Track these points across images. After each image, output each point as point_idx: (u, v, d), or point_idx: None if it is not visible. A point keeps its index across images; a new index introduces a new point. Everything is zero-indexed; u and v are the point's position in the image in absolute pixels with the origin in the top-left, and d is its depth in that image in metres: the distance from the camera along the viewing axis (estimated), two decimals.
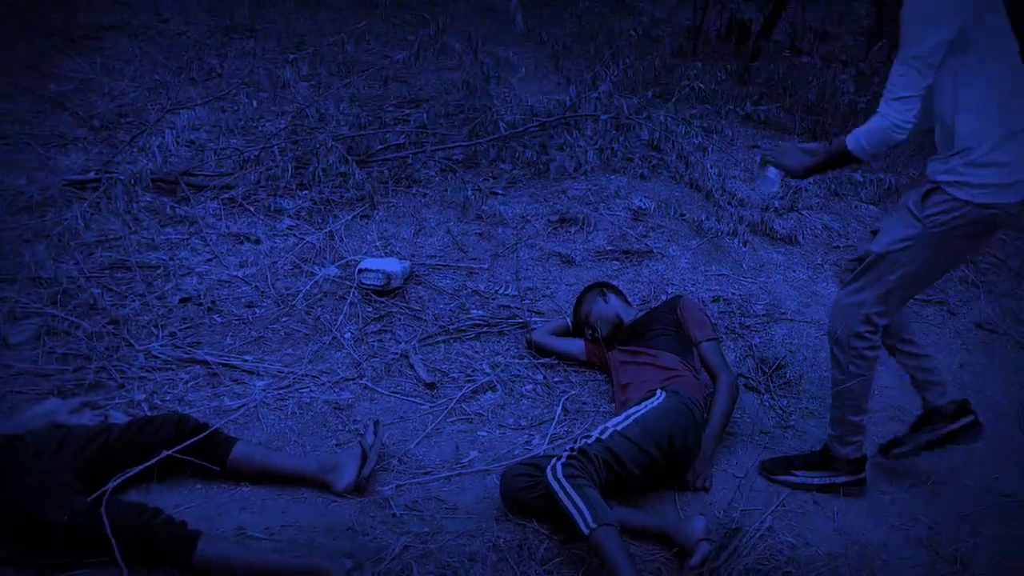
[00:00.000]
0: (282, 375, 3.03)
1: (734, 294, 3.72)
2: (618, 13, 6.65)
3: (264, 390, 2.92)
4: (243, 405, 2.82)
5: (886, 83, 2.26)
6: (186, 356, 3.04)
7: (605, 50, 5.21)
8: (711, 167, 4.42)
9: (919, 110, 2.25)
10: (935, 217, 2.33)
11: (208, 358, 3.04)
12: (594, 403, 3.06)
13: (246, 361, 3.09)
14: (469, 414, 2.94)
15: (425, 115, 4.71)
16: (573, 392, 3.11)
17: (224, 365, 3.03)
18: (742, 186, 4.64)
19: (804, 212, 4.50)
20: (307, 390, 2.97)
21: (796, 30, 7.08)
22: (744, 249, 4.05)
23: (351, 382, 3.06)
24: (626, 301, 3.29)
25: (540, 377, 3.18)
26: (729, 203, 4.36)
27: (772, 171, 2.60)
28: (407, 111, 5.17)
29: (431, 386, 3.06)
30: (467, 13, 6.46)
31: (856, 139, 2.34)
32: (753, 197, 4.35)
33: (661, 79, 5.55)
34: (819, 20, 7.35)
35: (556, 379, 3.19)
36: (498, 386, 3.09)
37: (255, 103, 5.06)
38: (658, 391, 2.68)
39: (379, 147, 4.50)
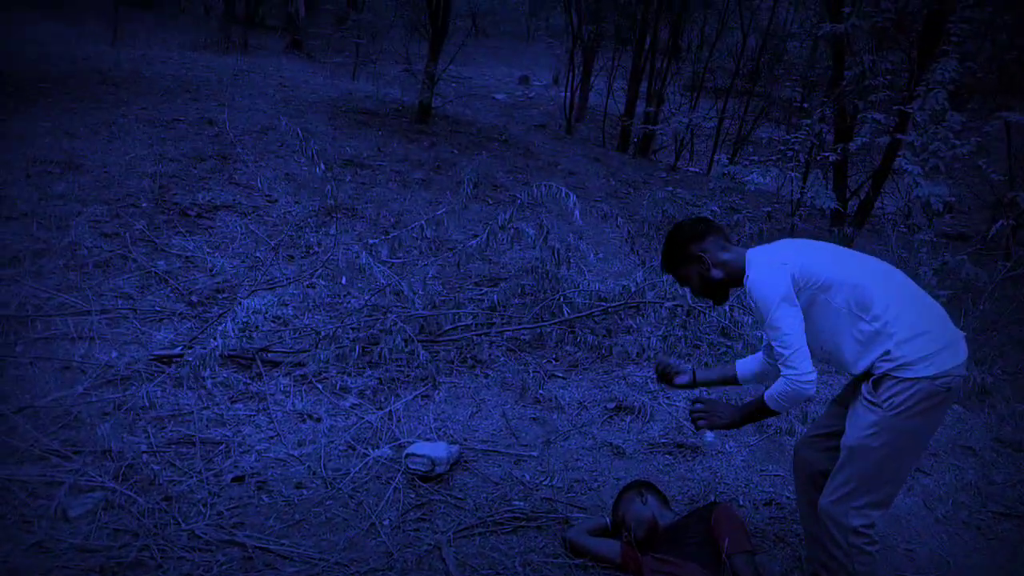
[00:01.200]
0: (313, 562, 3.11)
1: (789, 498, 3.58)
2: (700, 197, 6.83)
3: None
4: None
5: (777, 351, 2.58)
6: (227, 538, 3.18)
7: None
8: None
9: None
10: (891, 400, 2.46)
11: (247, 540, 3.16)
12: None
13: (283, 545, 3.19)
14: None
15: (496, 296, 4.92)
16: None
17: (261, 548, 3.14)
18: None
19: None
20: None
21: (911, 205, 6.99)
22: None
23: (380, 573, 3.10)
24: (666, 503, 3.24)
25: None
26: None
27: (709, 434, 3.08)
28: (484, 289, 5.41)
29: None
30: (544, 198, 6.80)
31: (772, 398, 2.63)
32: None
33: None
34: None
35: None
36: None
37: (344, 280, 5.45)
38: None
39: (449, 327, 4.70)
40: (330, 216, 6.41)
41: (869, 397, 2.50)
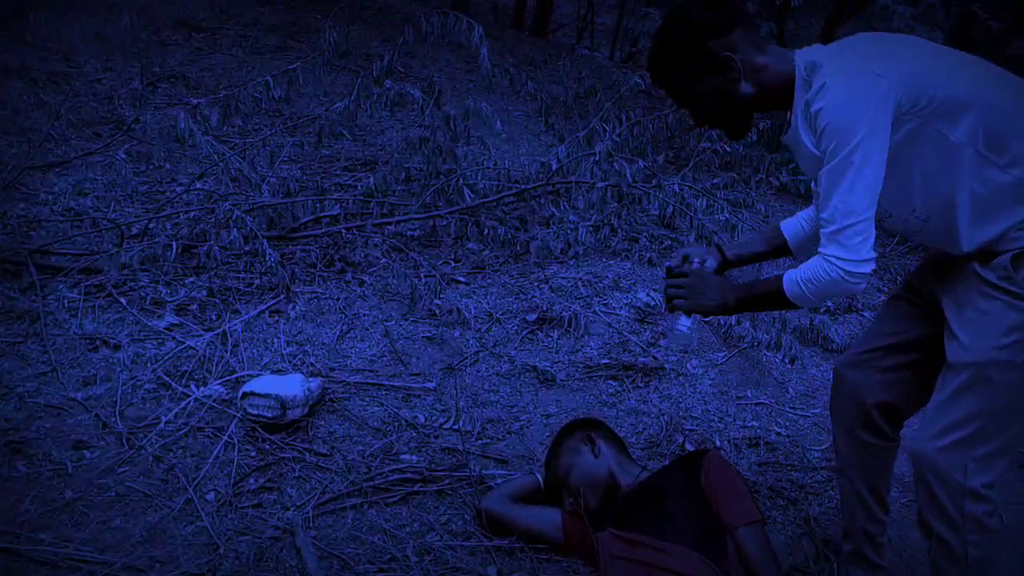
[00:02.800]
0: (87, 567, 2.00)
1: (779, 435, 2.70)
2: (624, 64, 5.80)
3: None
4: None
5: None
6: None
7: (605, 103, 4.30)
8: None
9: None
10: None
11: None
12: None
13: (41, 543, 2.07)
14: None
15: (373, 180, 3.78)
16: None
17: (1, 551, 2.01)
18: None
19: (866, 314, 3.50)
20: None
21: None
22: (789, 367, 3.04)
23: None
24: (625, 453, 2.29)
25: (492, 572, 2.14)
26: None
27: (685, 320, 1.95)
28: (358, 175, 4.26)
29: None
30: (431, 55, 5.61)
31: (795, 282, 1.73)
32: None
33: (674, 141, 4.64)
34: None
35: (518, 575, 2.15)
36: None
37: (168, 165, 4.19)
38: None
39: (308, 218, 3.55)
40: (152, 87, 5.05)
41: (1005, 285, 1.59)
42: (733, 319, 3.18)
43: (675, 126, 4.57)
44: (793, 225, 2.06)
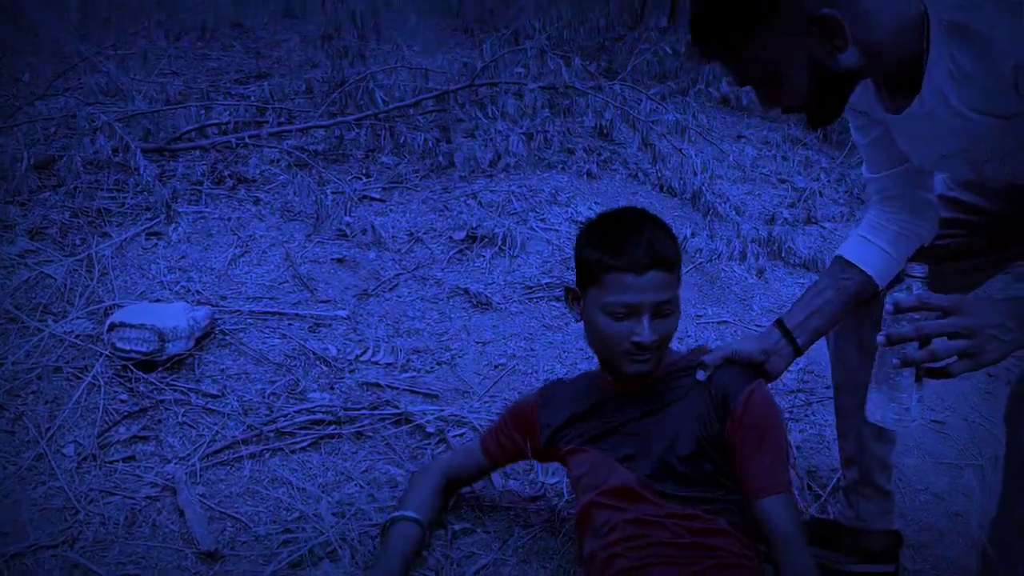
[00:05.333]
0: None
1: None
2: None
3: None
4: None
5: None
6: None
7: (529, 5, 3.90)
8: (696, 157, 3.12)
9: None
10: None
11: None
12: None
13: None
14: None
15: (268, 87, 3.30)
16: (486, 552, 1.73)
17: None
18: (733, 188, 3.36)
19: (826, 225, 3.25)
20: None
21: None
22: (753, 280, 2.76)
23: (48, 552, 1.62)
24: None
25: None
26: (722, 212, 3.07)
27: (912, 388, 1.23)
28: (251, 86, 3.77)
29: (210, 557, 1.64)
30: None
31: None
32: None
33: (606, 48, 4.27)
34: None
35: (458, 526, 1.80)
36: (343, 551, 1.68)
37: (27, 75, 3.62)
38: None
39: (191, 127, 3.07)
40: None
41: None
42: (688, 230, 2.87)
43: (605, 31, 4.21)
44: (864, 244, 1.52)
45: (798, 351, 1.51)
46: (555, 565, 1.69)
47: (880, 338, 1.19)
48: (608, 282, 1.41)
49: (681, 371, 1.52)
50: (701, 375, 1.48)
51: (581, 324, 1.57)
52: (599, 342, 1.49)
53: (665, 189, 3.25)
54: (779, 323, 1.51)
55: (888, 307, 1.18)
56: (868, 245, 1.51)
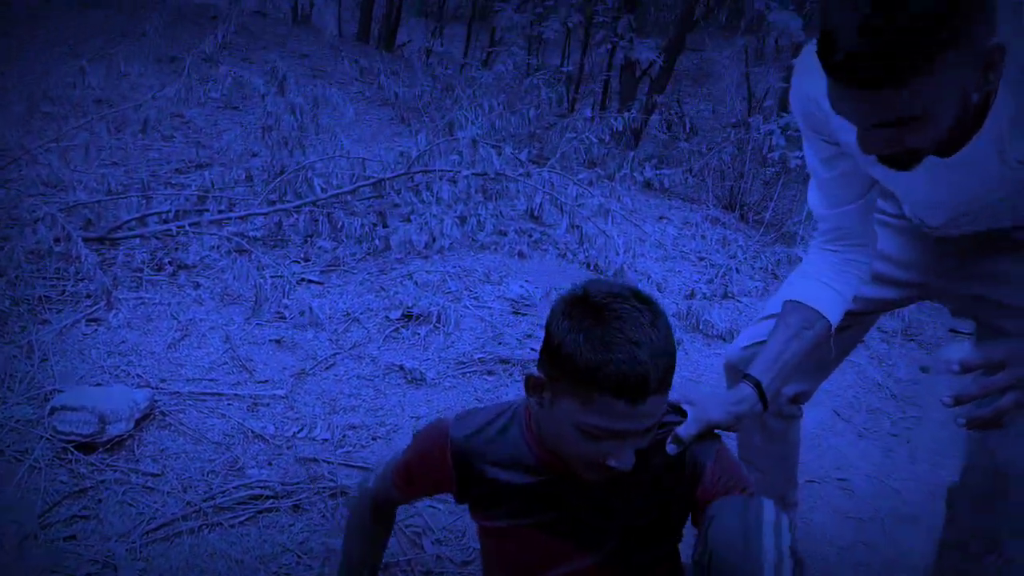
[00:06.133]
0: None
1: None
2: (483, 64, 5.67)
3: None
4: None
5: None
6: None
7: (463, 97, 4.13)
8: (619, 237, 3.32)
9: None
10: None
11: None
12: None
13: None
14: None
15: (209, 177, 3.43)
16: None
17: None
18: (655, 266, 3.56)
19: (742, 300, 3.46)
20: None
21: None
22: None
23: None
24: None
25: None
26: (644, 289, 3.25)
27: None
28: (192, 175, 3.89)
29: None
30: (273, 40, 5.30)
31: None
32: None
33: (537, 136, 4.52)
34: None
35: None
36: None
37: None
38: None
39: (132, 216, 3.17)
40: None
41: None
42: None
43: (536, 121, 4.46)
44: (829, 299, 1.48)
45: (766, 409, 1.44)
46: None
47: (946, 399, 1.15)
48: (595, 402, 1.15)
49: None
50: (672, 449, 1.28)
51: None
52: (561, 449, 1.25)
53: (591, 267, 3.43)
54: (756, 384, 1.41)
55: (954, 367, 1.16)
56: (827, 290, 1.47)
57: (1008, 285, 1.46)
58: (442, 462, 1.39)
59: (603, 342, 1.13)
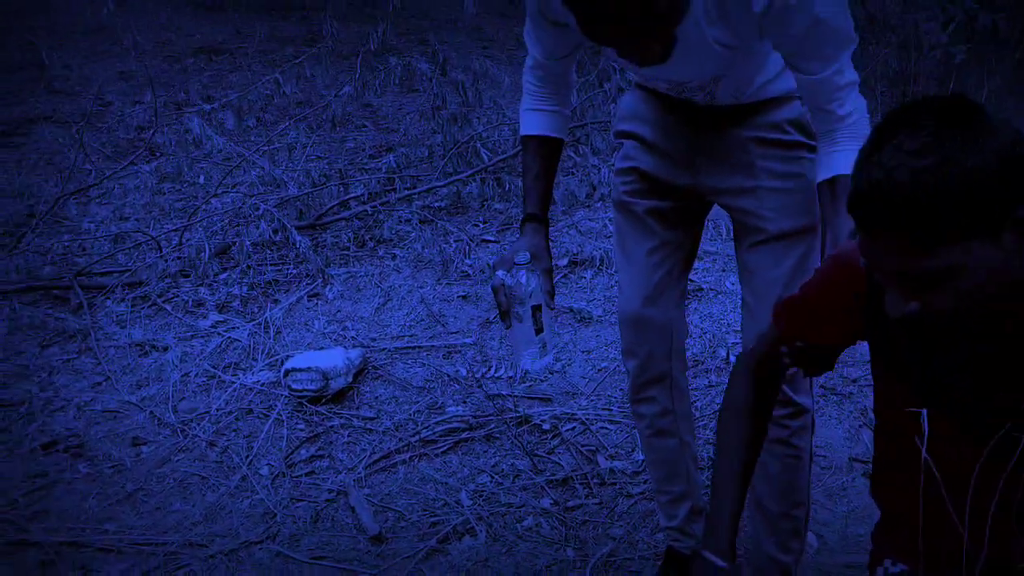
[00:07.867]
0: (150, 550, 2.05)
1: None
2: None
3: None
4: None
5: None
6: (16, 537, 2.09)
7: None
8: None
9: None
10: None
11: (47, 537, 2.08)
12: (630, 538, 1.97)
13: (106, 533, 2.12)
14: None
15: (393, 159, 3.78)
16: (598, 519, 2.04)
17: (68, 544, 2.07)
18: None
19: None
20: (182, 573, 1.97)
21: None
22: None
23: (256, 547, 2.06)
24: None
25: (547, 503, 2.12)
26: None
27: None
28: (381, 160, 4.27)
29: (377, 539, 2.04)
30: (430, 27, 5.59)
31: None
32: None
33: None
34: None
35: (573, 502, 2.12)
36: (480, 528, 2.04)
37: (202, 178, 4.26)
38: None
39: (334, 203, 3.57)
40: (180, 109, 5.15)
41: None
42: None
43: None
44: (555, 122, 1.67)
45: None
46: (654, 524, 1.98)
47: None
48: None
49: None
50: None
51: None
52: None
53: None
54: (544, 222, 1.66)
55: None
56: (552, 116, 1.65)
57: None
58: (854, 288, 1.09)
59: None
